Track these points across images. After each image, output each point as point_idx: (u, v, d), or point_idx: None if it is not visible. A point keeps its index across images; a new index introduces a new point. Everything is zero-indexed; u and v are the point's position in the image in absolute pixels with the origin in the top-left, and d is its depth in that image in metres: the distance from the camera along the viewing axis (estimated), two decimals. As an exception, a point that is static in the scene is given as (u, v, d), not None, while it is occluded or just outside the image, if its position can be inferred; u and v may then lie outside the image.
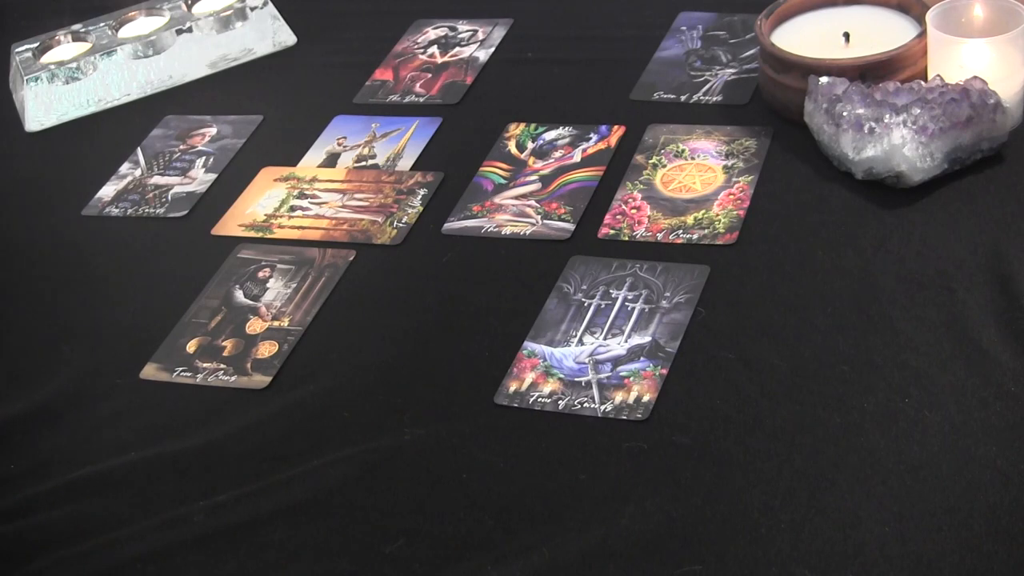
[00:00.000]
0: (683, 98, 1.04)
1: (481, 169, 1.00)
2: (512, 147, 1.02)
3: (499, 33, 1.18)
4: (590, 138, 1.01)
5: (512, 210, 0.95)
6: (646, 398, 0.77)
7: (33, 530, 0.77)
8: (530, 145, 1.02)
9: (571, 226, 0.92)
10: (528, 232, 0.93)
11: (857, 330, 0.78)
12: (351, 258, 0.93)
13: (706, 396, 0.76)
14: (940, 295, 0.79)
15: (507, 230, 0.93)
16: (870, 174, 0.88)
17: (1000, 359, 0.74)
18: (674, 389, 0.77)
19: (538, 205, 0.95)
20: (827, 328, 0.79)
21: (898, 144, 0.86)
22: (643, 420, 0.76)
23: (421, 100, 1.11)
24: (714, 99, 1.03)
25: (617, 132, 1.01)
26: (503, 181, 0.99)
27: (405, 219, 0.96)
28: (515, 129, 1.04)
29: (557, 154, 1.00)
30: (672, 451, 0.73)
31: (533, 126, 1.04)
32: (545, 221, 0.93)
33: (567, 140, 1.02)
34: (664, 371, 0.79)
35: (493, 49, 1.16)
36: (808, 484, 0.69)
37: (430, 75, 1.14)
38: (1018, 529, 0.65)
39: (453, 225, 0.95)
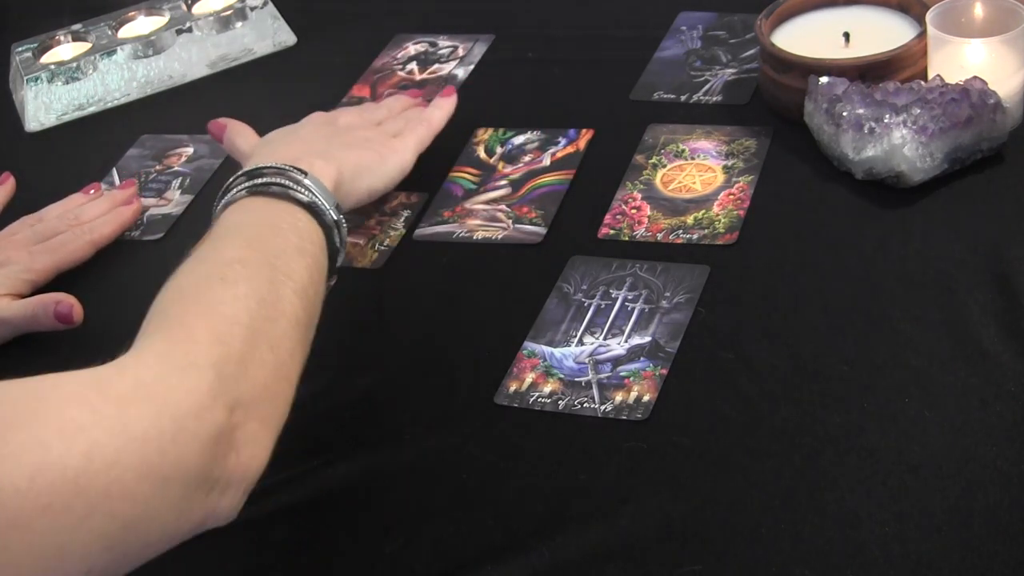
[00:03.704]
0: (683, 98, 1.04)
1: (450, 174, 1.00)
2: (481, 152, 1.02)
3: (479, 49, 1.17)
4: (559, 142, 1.01)
5: (483, 215, 0.95)
6: (646, 398, 0.77)
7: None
8: (499, 150, 1.02)
9: (542, 230, 0.92)
10: (500, 236, 0.93)
11: (857, 330, 0.78)
12: (331, 283, 0.91)
13: (706, 396, 0.76)
14: (940, 295, 0.79)
15: (478, 235, 0.93)
16: (870, 174, 0.88)
17: (1000, 359, 0.74)
18: (674, 389, 0.77)
19: (509, 209, 0.95)
20: (827, 328, 0.79)
21: (898, 144, 0.86)
22: (643, 420, 0.76)
23: None
24: (714, 99, 1.03)
25: (585, 136, 1.01)
26: (473, 186, 0.98)
27: (387, 241, 0.95)
28: (483, 134, 1.04)
29: (526, 158, 1.00)
30: (672, 451, 0.73)
31: (502, 131, 1.04)
32: (516, 225, 0.93)
33: (536, 144, 1.02)
34: (664, 371, 0.79)
35: (472, 66, 1.14)
36: (808, 484, 0.69)
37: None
38: (1018, 529, 0.65)
39: (424, 231, 0.95)
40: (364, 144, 0.93)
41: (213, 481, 0.62)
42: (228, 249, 0.75)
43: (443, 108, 1.00)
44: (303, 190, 0.80)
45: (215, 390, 0.63)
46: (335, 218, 0.81)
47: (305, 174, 0.81)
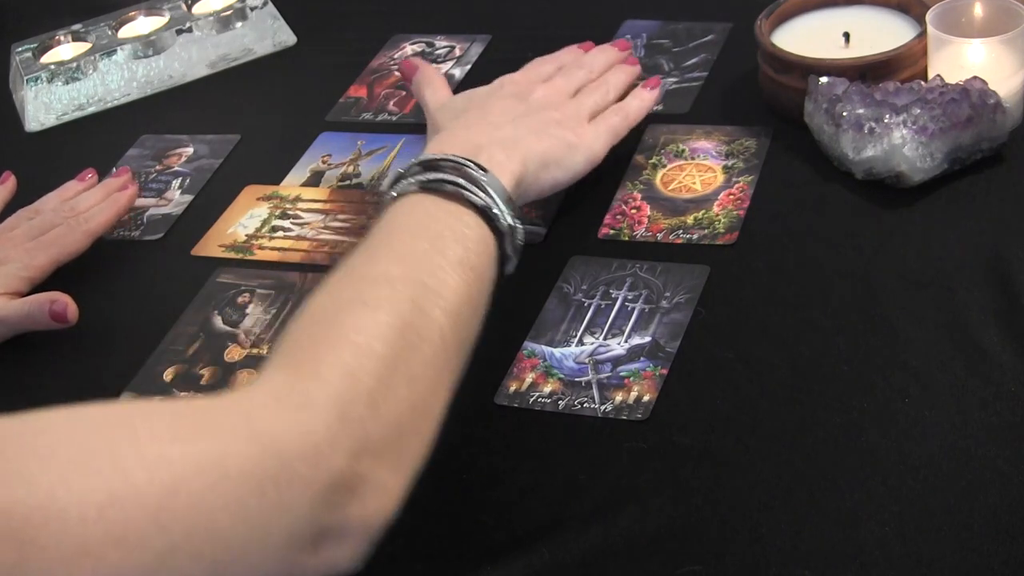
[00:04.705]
0: None
1: None
2: None
3: (476, 49, 1.17)
4: None
5: None
6: (646, 398, 0.77)
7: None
8: None
9: (542, 230, 0.92)
10: None
11: (857, 330, 0.78)
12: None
13: (706, 396, 0.76)
14: (940, 295, 0.79)
15: None
16: (870, 174, 0.88)
17: (1000, 359, 0.74)
18: (674, 389, 0.77)
19: None
20: (827, 328, 0.79)
21: (898, 144, 0.86)
22: (643, 420, 0.76)
23: (394, 119, 1.09)
24: (656, 108, 1.01)
25: None
26: None
27: None
28: None
29: None
30: (672, 451, 0.73)
31: None
32: None
33: None
34: (664, 371, 0.79)
35: (470, 66, 1.14)
36: (808, 484, 0.69)
37: (404, 92, 1.12)
38: (1018, 529, 0.65)
39: None
40: (554, 131, 0.86)
41: (327, 531, 0.57)
42: (379, 262, 0.69)
43: (644, 100, 0.93)
44: (479, 192, 0.74)
45: (336, 433, 0.58)
46: (510, 224, 0.75)
47: (485, 171, 0.76)
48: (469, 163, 0.76)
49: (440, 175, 0.75)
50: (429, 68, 0.93)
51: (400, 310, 0.65)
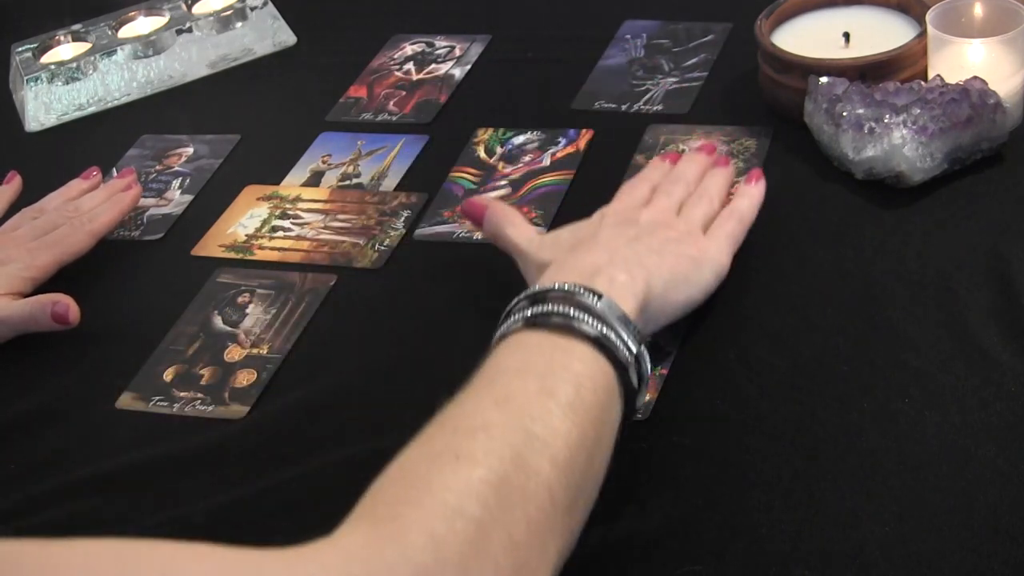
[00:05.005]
0: (624, 107, 1.04)
1: (450, 175, 1.00)
2: (481, 152, 1.02)
3: (476, 50, 1.17)
4: (559, 142, 1.01)
5: None
6: (646, 398, 0.77)
7: (33, 530, 0.77)
8: (499, 150, 1.02)
9: (543, 230, 0.92)
10: None
11: (857, 330, 0.78)
12: (332, 283, 0.91)
13: (706, 396, 0.76)
14: (940, 295, 0.79)
15: (478, 235, 0.93)
16: (870, 174, 0.88)
17: (1000, 359, 0.74)
18: (674, 389, 0.77)
19: None
20: (827, 328, 0.79)
21: (898, 144, 0.86)
22: (643, 420, 0.76)
23: (394, 119, 1.10)
24: (655, 108, 1.02)
25: (585, 136, 1.01)
26: (473, 186, 0.98)
27: (387, 241, 0.95)
28: (483, 134, 1.04)
29: (526, 158, 1.00)
30: (672, 451, 0.73)
31: (501, 131, 1.04)
32: None
33: (536, 144, 1.02)
34: (664, 371, 0.79)
35: (469, 66, 1.15)
36: (808, 484, 0.69)
37: (404, 93, 1.13)
38: (1018, 529, 0.65)
39: (424, 231, 0.95)
40: (674, 248, 0.78)
41: None
42: (476, 410, 0.62)
43: (752, 196, 0.85)
44: (591, 320, 0.66)
45: None
46: (633, 352, 0.67)
47: (599, 297, 0.68)
48: (580, 289, 0.68)
49: (546, 307, 0.68)
50: (503, 206, 0.86)
51: (498, 463, 0.58)
